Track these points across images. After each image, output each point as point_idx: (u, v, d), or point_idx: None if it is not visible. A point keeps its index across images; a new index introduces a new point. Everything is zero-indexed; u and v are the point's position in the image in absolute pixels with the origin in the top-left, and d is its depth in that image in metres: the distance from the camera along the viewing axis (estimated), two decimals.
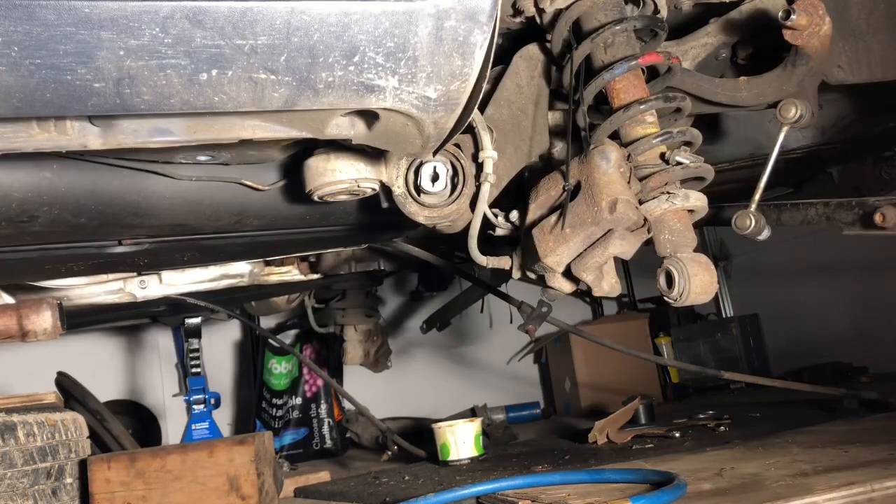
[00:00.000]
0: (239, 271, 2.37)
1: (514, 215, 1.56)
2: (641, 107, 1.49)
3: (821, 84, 1.57)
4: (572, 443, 2.35)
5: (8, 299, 2.06)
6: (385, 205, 1.58)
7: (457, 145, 1.53)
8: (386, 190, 1.54)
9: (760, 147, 1.96)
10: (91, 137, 1.13)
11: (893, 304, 3.08)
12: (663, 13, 1.56)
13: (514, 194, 1.64)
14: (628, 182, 1.40)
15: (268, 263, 2.44)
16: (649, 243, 1.48)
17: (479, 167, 1.53)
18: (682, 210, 1.49)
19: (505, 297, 2.36)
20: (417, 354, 3.92)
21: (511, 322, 3.31)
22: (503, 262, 1.60)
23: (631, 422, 2.30)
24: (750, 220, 1.61)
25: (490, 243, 1.61)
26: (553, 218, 1.43)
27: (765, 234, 1.62)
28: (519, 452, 2.34)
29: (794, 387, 2.37)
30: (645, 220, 1.40)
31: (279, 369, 3.41)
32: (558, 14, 1.55)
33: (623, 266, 3.85)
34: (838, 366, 3.16)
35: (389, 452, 2.58)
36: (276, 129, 1.16)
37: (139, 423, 3.40)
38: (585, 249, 1.41)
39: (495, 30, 1.02)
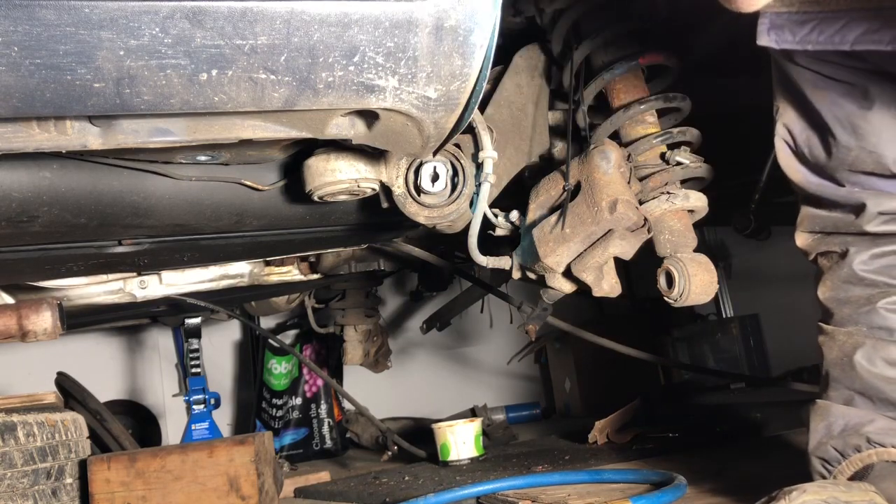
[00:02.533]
0: (239, 271, 2.37)
1: (514, 215, 1.56)
2: (641, 107, 1.49)
3: None
4: (572, 443, 2.35)
5: (8, 299, 2.06)
6: (385, 205, 1.58)
7: (457, 145, 1.53)
8: (386, 190, 1.54)
9: None
10: (91, 137, 1.13)
11: None
12: (664, 13, 1.56)
13: (515, 194, 1.64)
14: (628, 182, 1.41)
15: (268, 263, 2.44)
16: (649, 243, 1.48)
17: (479, 167, 1.52)
18: (682, 210, 1.49)
19: (505, 297, 2.36)
20: (417, 354, 3.92)
21: (511, 322, 3.31)
22: (503, 262, 1.60)
23: (631, 422, 2.30)
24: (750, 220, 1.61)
25: (490, 243, 1.61)
26: (553, 218, 1.43)
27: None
28: (519, 452, 2.34)
29: (795, 387, 2.37)
30: (645, 220, 1.40)
31: (279, 369, 3.41)
32: (558, 14, 1.55)
33: (623, 266, 3.84)
34: None
35: (389, 452, 2.58)
36: (276, 129, 1.16)
37: (139, 423, 3.40)
38: (585, 249, 1.41)
39: (495, 30, 1.02)
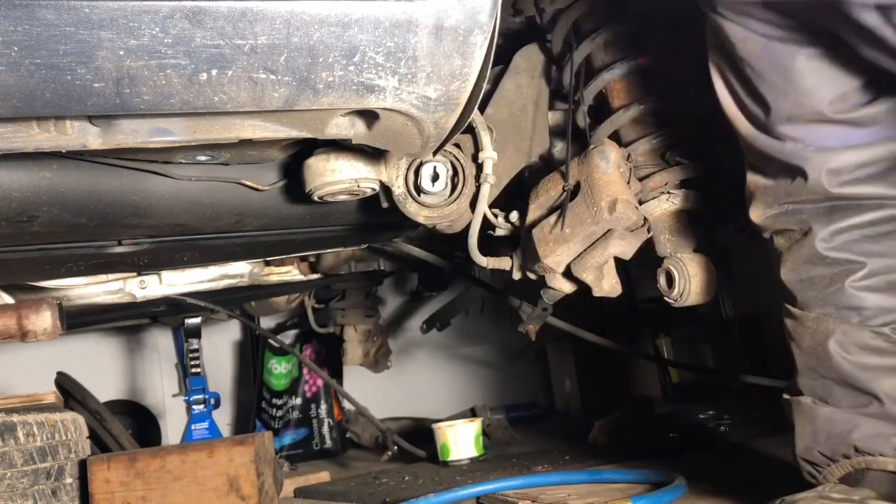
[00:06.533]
0: (239, 271, 2.37)
1: (514, 216, 1.56)
2: (642, 107, 1.49)
3: None
4: (572, 443, 2.35)
5: (8, 299, 2.06)
6: (385, 205, 1.58)
7: (457, 145, 1.53)
8: (386, 190, 1.54)
9: None
10: (91, 137, 1.13)
11: None
12: (663, 13, 1.56)
13: (515, 194, 1.64)
14: (628, 182, 1.41)
15: (268, 263, 2.44)
16: (649, 243, 1.48)
17: (479, 167, 1.53)
18: (681, 210, 1.49)
19: (505, 297, 2.36)
20: (417, 354, 3.92)
21: (511, 322, 3.31)
22: (503, 263, 1.60)
23: (631, 422, 2.30)
24: None
25: (490, 244, 1.61)
26: (553, 218, 1.43)
27: None
28: (519, 452, 2.34)
29: None
30: (645, 220, 1.40)
31: (279, 369, 3.40)
32: (558, 14, 1.55)
33: (623, 266, 3.83)
34: None
35: (389, 452, 2.57)
36: (276, 129, 1.16)
37: (139, 423, 3.39)
38: (585, 250, 1.41)
39: (495, 30, 1.03)
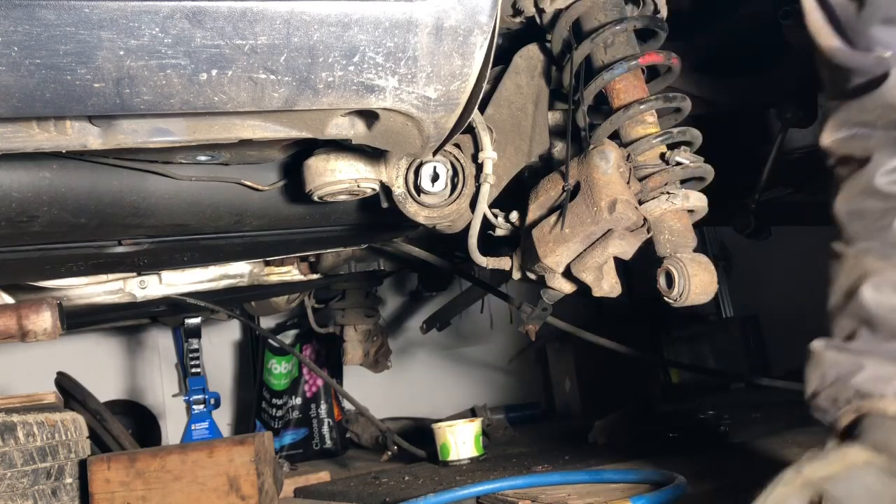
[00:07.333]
0: (239, 271, 2.37)
1: (514, 216, 1.56)
2: (641, 107, 1.49)
3: None
4: (572, 443, 2.35)
5: (8, 299, 2.06)
6: (385, 205, 1.58)
7: (457, 145, 1.53)
8: (386, 190, 1.54)
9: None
10: (91, 137, 1.13)
11: None
12: (663, 13, 1.56)
13: (514, 194, 1.64)
14: (628, 182, 1.41)
15: (268, 263, 2.44)
16: (649, 243, 1.48)
17: (479, 167, 1.53)
18: (681, 210, 1.49)
19: (505, 297, 2.36)
20: (417, 354, 3.92)
21: (511, 322, 3.31)
22: (503, 263, 1.60)
23: (631, 422, 2.30)
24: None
25: (490, 244, 1.61)
26: (553, 218, 1.43)
27: None
28: (519, 452, 2.34)
29: (795, 387, 2.36)
30: (644, 220, 1.40)
31: (279, 369, 3.41)
32: (558, 14, 1.55)
33: (623, 266, 3.83)
34: None
35: (389, 452, 2.58)
36: (276, 129, 1.17)
37: (139, 423, 3.40)
38: (585, 250, 1.41)
39: (495, 30, 1.03)
